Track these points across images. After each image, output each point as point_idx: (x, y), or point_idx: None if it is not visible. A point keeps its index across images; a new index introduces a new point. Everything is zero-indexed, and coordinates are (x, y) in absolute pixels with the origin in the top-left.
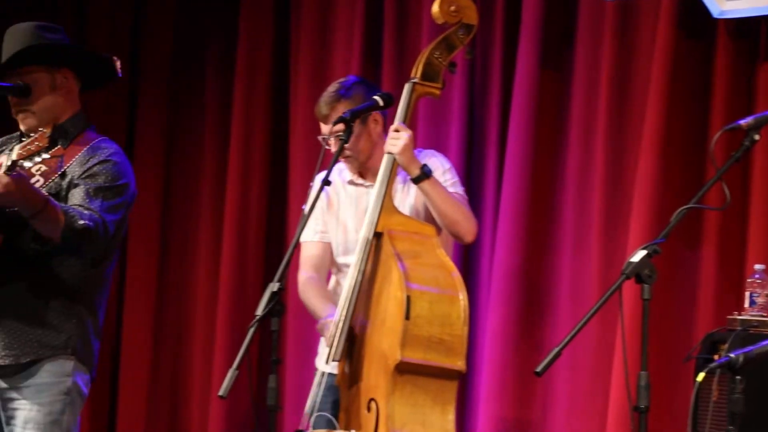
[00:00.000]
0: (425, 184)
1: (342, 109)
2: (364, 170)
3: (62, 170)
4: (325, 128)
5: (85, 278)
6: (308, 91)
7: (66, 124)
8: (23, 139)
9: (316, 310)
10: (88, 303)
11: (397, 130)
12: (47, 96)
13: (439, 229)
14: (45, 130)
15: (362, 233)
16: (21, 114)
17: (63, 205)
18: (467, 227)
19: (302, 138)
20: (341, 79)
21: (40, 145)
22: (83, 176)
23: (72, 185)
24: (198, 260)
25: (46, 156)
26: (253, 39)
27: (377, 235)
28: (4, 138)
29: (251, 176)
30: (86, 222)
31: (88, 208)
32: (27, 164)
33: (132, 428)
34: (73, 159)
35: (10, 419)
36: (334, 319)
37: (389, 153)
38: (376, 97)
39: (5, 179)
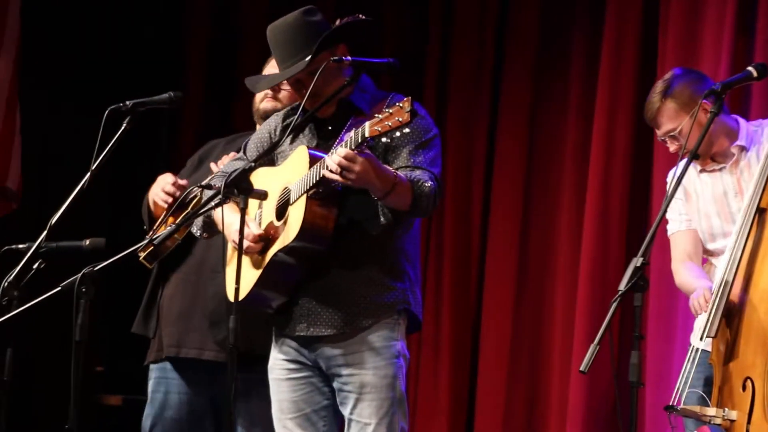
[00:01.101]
0: None
1: (666, 109)
2: (712, 155)
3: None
4: (659, 131)
5: (402, 233)
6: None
7: (358, 90)
8: (317, 120)
9: (690, 287)
10: (408, 255)
11: None
12: (340, 78)
13: None
14: (403, 105)
15: (743, 209)
16: (311, 99)
17: (402, 173)
18: None
19: None
20: (665, 76)
21: (401, 120)
22: (398, 136)
23: (389, 147)
24: (559, 236)
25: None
26: (621, 14)
27: (760, 211)
28: (285, 109)
29: (615, 152)
30: (430, 183)
31: (417, 168)
32: (384, 140)
33: (492, 402)
34: None
35: (343, 386)
36: (703, 292)
37: None
38: (750, 68)
39: (360, 163)
